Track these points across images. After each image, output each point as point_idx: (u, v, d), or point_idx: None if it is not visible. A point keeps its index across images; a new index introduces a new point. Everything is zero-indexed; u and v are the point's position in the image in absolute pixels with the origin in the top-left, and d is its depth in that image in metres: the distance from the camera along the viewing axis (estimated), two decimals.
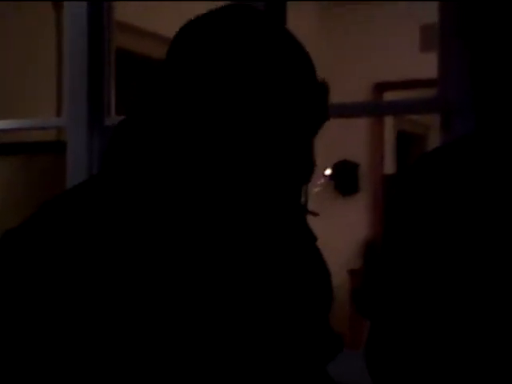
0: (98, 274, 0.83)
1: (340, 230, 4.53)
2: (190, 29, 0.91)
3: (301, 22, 4.07)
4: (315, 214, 1.24)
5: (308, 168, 0.93)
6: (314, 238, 1.04)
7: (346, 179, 4.88)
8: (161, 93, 0.91)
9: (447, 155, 1.15)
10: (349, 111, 1.91)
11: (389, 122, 4.88)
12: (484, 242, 1.05)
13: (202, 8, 0.96)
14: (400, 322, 1.11)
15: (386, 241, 1.17)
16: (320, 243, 1.05)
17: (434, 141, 4.49)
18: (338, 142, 4.39)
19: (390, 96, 4.62)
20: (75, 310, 0.82)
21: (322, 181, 4.73)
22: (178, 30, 0.93)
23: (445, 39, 1.64)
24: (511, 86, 1.08)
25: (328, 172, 4.80)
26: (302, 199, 1.00)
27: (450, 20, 1.63)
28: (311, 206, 1.42)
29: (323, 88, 0.93)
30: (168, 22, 3.31)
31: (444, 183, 1.11)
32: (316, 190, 4.63)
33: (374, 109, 2.16)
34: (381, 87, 4.70)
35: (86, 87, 2.15)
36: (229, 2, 0.94)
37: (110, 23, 2.18)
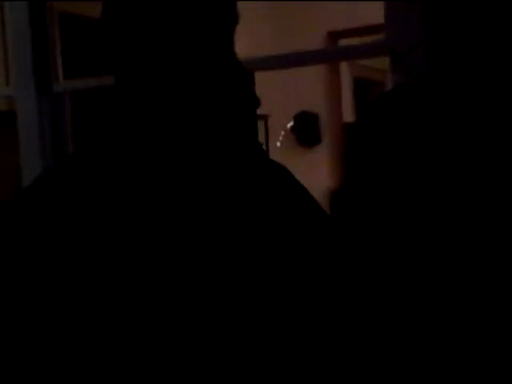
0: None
1: (305, 181, 4.53)
2: None
3: None
4: None
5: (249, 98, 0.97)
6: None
7: (307, 131, 4.88)
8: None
9: (401, 97, 1.15)
10: (298, 60, 1.89)
11: (345, 69, 4.87)
12: (443, 182, 1.06)
13: None
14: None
15: (347, 185, 1.18)
16: None
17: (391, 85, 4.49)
18: (296, 93, 4.39)
19: (345, 43, 4.60)
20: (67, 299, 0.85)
21: (283, 133, 4.72)
22: None
23: None
24: (461, 27, 1.08)
25: (289, 124, 4.79)
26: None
27: None
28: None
29: None
30: None
31: (399, 125, 1.11)
32: (278, 143, 4.63)
33: (323, 56, 2.15)
34: (335, 35, 4.68)
35: (30, 54, 2.09)
36: None
37: None
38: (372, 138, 1.14)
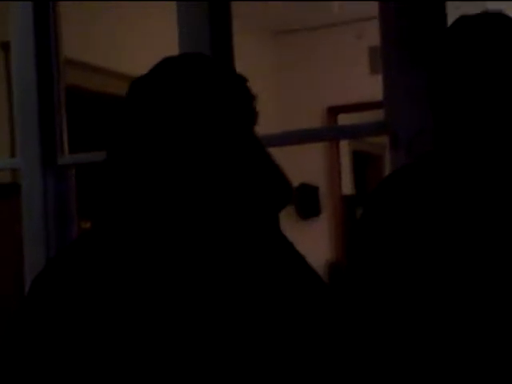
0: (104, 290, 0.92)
1: (303, 252, 4.53)
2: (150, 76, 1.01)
3: (252, 52, 4.14)
4: None
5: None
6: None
7: (306, 203, 4.91)
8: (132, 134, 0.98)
9: (410, 176, 1.16)
10: (299, 137, 1.93)
11: (344, 143, 4.94)
12: (451, 260, 1.06)
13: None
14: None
15: (353, 265, 1.18)
16: None
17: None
18: (295, 165, 4.42)
19: (344, 118, 4.68)
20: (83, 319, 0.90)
21: None
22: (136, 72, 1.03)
23: (388, 61, 1.67)
24: (465, 108, 1.09)
25: None
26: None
27: (391, 41, 1.66)
28: None
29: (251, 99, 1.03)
30: (118, 58, 3.32)
31: (408, 204, 1.11)
32: None
33: (325, 134, 2.19)
34: (334, 111, 4.77)
35: (37, 127, 2.13)
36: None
37: (58, 60, 2.16)
38: (380, 219, 1.14)
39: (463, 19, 1.13)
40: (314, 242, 4.75)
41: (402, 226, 1.11)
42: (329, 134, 2.27)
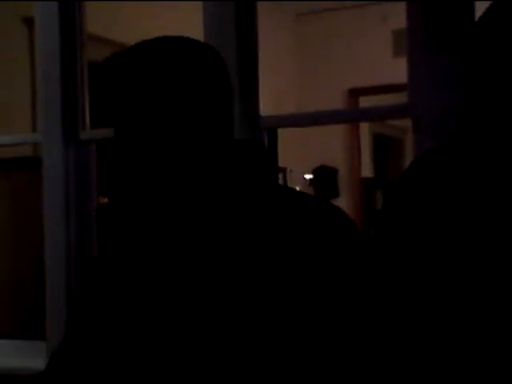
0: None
1: None
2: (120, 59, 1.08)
3: (275, 33, 4.13)
4: None
5: None
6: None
7: (325, 184, 4.91)
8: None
9: (438, 161, 1.14)
10: (320, 118, 1.92)
11: (365, 126, 4.92)
12: (480, 246, 1.05)
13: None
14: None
15: (377, 258, 1.17)
16: None
17: (410, 143, 4.51)
18: (316, 147, 4.42)
19: (365, 101, 4.66)
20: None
21: (301, 186, 4.76)
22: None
23: (413, 44, 1.66)
24: (495, 91, 1.07)
25: (308, 176, 4.83)
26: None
27: (418, 24, 1.65)
28: None
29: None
30: (140, 33, 3.32)
31: (437, 190, 1.09)
32: None
33: (346, 116, 2.18)
34: (356, 93, 4.74)
35: (59, 102, 2.14)
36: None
37: (81, 36, 2.17)
38: (409, 203, 1.12)
39: (501, 1, 1.11)
40: None
41: (428, 217, 1.10)
42: (351, 115, 2.26)
